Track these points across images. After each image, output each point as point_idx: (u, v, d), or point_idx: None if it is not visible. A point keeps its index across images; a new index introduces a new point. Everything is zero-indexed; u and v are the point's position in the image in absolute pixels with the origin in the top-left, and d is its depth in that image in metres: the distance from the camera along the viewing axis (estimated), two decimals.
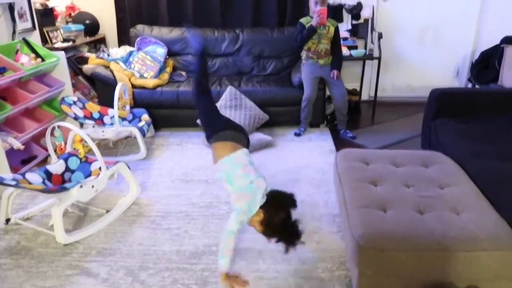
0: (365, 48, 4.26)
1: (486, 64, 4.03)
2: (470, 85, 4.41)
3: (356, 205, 1.81)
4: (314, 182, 2.80)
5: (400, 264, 1.58)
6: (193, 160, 3.19)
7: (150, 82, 3.71)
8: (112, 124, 3.26)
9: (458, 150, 2.31)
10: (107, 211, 2.47)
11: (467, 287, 1.57)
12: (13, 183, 2.15)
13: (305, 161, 3.13)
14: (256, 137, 3.41)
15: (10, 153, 2.74)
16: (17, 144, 2.74)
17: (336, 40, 3.54)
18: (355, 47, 4.14)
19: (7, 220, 2.38)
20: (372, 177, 2.03)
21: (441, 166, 2.12)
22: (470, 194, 1.85)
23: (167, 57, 4.08)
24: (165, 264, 2.04)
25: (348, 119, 3.72)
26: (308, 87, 3.51)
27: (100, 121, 3.31)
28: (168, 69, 4.02)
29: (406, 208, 1.76)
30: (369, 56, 4.16)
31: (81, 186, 2.23)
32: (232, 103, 3.54)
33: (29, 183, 2.24)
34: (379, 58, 4.05)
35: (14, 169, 2.76)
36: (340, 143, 3.48)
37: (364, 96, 4.68)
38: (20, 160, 2.99)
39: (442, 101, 2.76)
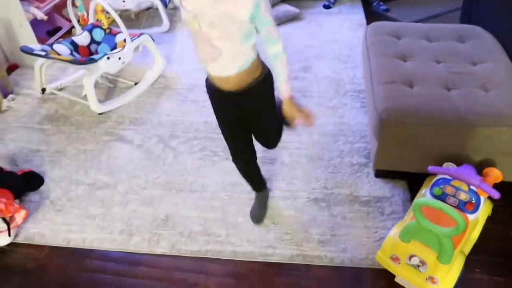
0: None
1: None
2: None
3: (383, 80, 1.79)
4: (341, 57, 2.73)
5: (420, 138, 1.63)
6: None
7: None
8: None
9: (500, 24, 2.14)
10: (135, 84, 2.54)
11: (482, 160, 1.63)
12: (43, 53, 2.19)
13: (333, 36, 3.00)
14: (282, 8, 3.22)
15: (35, 23, 2.73)
16: (40, 14, 2.71)
17: None
18: None
19: (43, 90, 2.49)
20: (402, 52, 1.96)
21: (477, 42, 2.01)
22: (503, 71, 1.78)
23: None
24: (193, 134, 2.17)
25: None
26: None
27: None
28: None
29: (433, 84, 1.74)
30: None
31: (108, 58, 2.26)
32: None
33: (58, 54, 2.28)
34: None
35: (40, 40, 2.78)
36: (371, 16, 3.26)
37: None
38: (46, 31, 2.99)
39: None
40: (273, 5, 3.24)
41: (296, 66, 2.66)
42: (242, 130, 1.49)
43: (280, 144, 2.04)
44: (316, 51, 2.81)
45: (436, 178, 1.51)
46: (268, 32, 1.24)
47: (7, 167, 1.96)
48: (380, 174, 1.87)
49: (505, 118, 1.54)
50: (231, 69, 1.25)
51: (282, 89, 1.34)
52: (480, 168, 1.52)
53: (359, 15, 3.29)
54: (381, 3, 3.41)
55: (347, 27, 3.11)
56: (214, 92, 1.38)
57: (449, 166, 1.56)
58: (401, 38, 2.10)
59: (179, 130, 2.20)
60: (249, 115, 1.41)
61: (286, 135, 2.10)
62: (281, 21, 3.17)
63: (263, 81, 1.34)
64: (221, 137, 2.10)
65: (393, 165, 1.79)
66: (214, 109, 1.49)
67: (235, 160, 1.60)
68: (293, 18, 3.24)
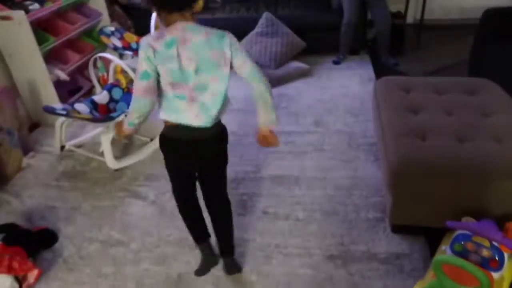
0: None
1: None
2: None
3: (395, 133, 1.79)
4: (353, 111, 2.77)
5: (435, 191, 1.61)
6: (230, 90, 3.20)
7: None
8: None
9: (509, 76, 2.17)
10: (151, 140, 2.60)
11: (502, 213, 1.58)
12: (64, 112, 2.29)
13: (343, 90, 3.07)
14: (292, 65, 3.34)
15: (58, 84, 2.87)
16: (63, 75, 2.86)
17: None
18: None
19: (62, 147, 2.57)
20: (412, 105, 1.99)
21: (487, 94, 2.03)
22: None
23: None
24: None
25: (391, 45, 3.53)
26: (348, 10, 3.31)
27: (138, 51, 3.34)
28: None
29: (446, 136, 1.73)
30: None
31: (125, 115, 2.34)
32: (268, 30, 3.43)
33: (78, 113, 2.38)
34: None
35: (62, 100, 2.91)
36: (381, 71, 3.35)
37: (409, 19, 4.37)
38: (68, 91, 3.13)
39: (498, 23, 2.55)
40: (283, 63, 3.36)
41: (308, 120, 2.71)
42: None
43: (293, 199, 2.05)
44: (327, 105, 2.87)
45: (456, 233, 1.47)
46: None
47: (23, 224, 1.97)
48: (397, 229, 1.82)
49: None
50: None
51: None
52: (501, 222, 1.47)
53: (368, 70, 3.38)
54: (390, 58, 3.51)
55: (357, 82, 3.18)
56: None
57: (468, 220, 1.51)
58: (410, 91, 2.13)
59: None
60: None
61: (299, 190, 2.10)
62: (292, 77, 3.28)
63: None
64: (234, 192, 2.13)
65: (410, 220, 1.75)
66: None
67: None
68: (303, 74, 3.34)
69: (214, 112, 1.39)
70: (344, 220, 1.91)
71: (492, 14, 2.56)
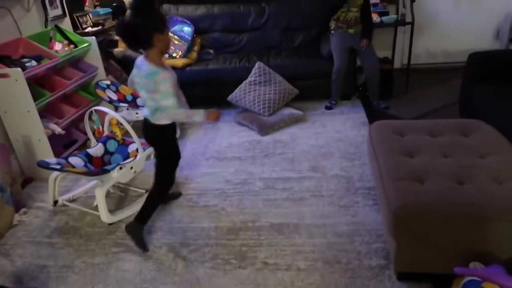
0: (397, 14, 4.09)
1: None
2: None
3: (392, 177, 1.78)
4: (348, 156, 2.78)
5: (439, 235, 1.57)
6: (225, 138, 3.23)
7: (179, 62, 3.74)
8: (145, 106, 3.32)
9: (500, 117, 2.21)
10: (146, 191, 2.56)
11: (509, 258, 1.53)
12: (58, 167, 2.26)
13: (337, 135, 3.10)
14: (286, 112, 3.39)
15: (52, 138, 2.86)
16: (58, 130, 2.86)
17: (365, 7, 3.41)
18: (386, 13, 3.98)
19: (55, 202, 2.52)
20: (408, 149, 1.99)
21: (481, 135, 2.05)
22: None
23: (194, 35, 4.08)
24: (205, 240, 2.11)
25: (380, 89, 3.62)
26: (338, 58, 3.42)
27: (133, 103, 3.39)
28: (196, 48, 4.02)
29: (445, 179, 1.72)
30: (401, 22, 4.00)
31: (120, 168, 2.32)
32: (261, 79, 3.51)
33: (73, 166, 2.35)
34: (412, 23, 3.89)
35: (57, 154, 2.89)
36: (372, 115, 3.41)
37: (397, 64, 4.53)
38: (62, 144, 3.12)
39: (483, 66, 2.64)
40: (277, 109, 3.42)
41: (305, 166, 2.70)
42: None
43: (293, 248, 1.99)
44: (322, 150, 2.88)
45: (465, 280, 1.42)
46: None
47: (12, 286, 1.88)
48: (402, 276, 1.75)
49: None
50: None
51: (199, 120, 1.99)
52: (510, 266, 1.43)
53: (361, 114, 3.43)
54: (380, 102, 3.58)
55: (350, 126, 3.22)
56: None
57: (476, 266, 1.47)
58: (404, 135, 2.15)
59: (190, 237, 2.15)
60: None
61: (299, 238, 2.04)
62: (286, 123, 3.31)
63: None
64: (233, 243, 2.07)
65: (416, 266, 1.69)
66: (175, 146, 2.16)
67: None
68: (297, 120, 3.38)
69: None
70: (347, 269, 1.85)
71: (477, 58, 2.66)
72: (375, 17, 3.80)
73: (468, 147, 1.95)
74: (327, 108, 3.59)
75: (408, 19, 3.97)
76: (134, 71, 1.98)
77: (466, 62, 2.73)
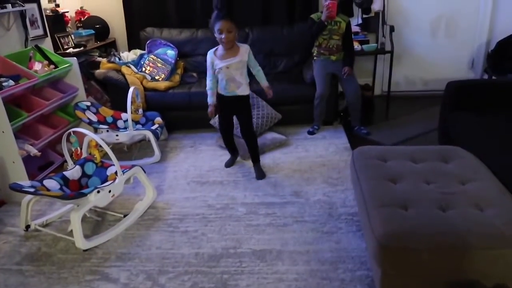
0: (377, 42, 4.21)
1: (503, 53, 3.94)
2: (486, 76, 4.31)
3: (376, 204, 1.77)
4: (331, 181, 2.77)
5: (424, 263, 1.55)
6: (207, 162, 3.19)
7: (162, 85, 3.72)
8: (125, 128, 3.27)
9: (479, 144, 2.26)
10: (124, 216, 2.48)
11: (495, 285, 1.53)
12: (32, 190, 2.17)
13: (320, 160, 3.10)
14: (269, 136, 3.39)
15: (27, 160, 2.77)
16: (34, 151, 2.77)
17: (347, 35, 3.50)
18: (367, 42, 4.09)
19: (27, 227, 2.40)
20: (390, 175, 2.00)
21: (461, 161, 2.07)
22: (493, 189, 1.80)
23: (178, 58, 4.08)
24: (184, 268, 2.04)
25: (362, 115, 3.67)
26: (321, 84, 3.47)
27: (113, 125, 3.33)
28: (179, 71, 4.02)
29: (428, 205, 1.72)
30: (381, 50, 4.11)
31: (98, 191, 2.24)
32: None
33: (48, 189, 2.26)
34: (391, 52, 3.99)
35: (31, 176, 2.78)
36: (354, 140, 3.44)
37: (377, 91, 4.62)
38: (37, 166, 3.02)
39: (460, 94, 2.71)
40: (260, 134, 3.41)
41: (288, 191, 2.68)
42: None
43: (276, 276, 1.94)
44: (306, 175, 2.87)
45: None
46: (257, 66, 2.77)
47: None
48: None
49: (508, 239, 1.50)
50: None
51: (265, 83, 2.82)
52: None
53: (343, 139, 3.46)
54: (362, 127, 3.63)
55: (333, 151, 3.23)
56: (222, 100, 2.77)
57: None
58: (387, 160, 2.16)
59: (169, 264, 2.07)
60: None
61: (282, 265, 1.99)
62: (269, 147, 3.30)
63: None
64: (214, 270, 2.00)
65: None
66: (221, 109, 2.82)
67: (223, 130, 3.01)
68: (280, 145, 3.38)
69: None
70: None
71: (454, 86, 2.73)
72: (356, 45, 3.90)
73: (449, 173, 1.97)
74: (310, 133, 3.61)
75: (388, 48, 4.09)
76: None
77: (444, 91, 2.80)
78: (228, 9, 2.53)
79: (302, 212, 2.43)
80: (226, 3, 4.05)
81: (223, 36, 2.48)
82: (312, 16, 3.49)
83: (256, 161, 2.93)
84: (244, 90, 2.70)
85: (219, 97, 2.75)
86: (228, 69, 2.61)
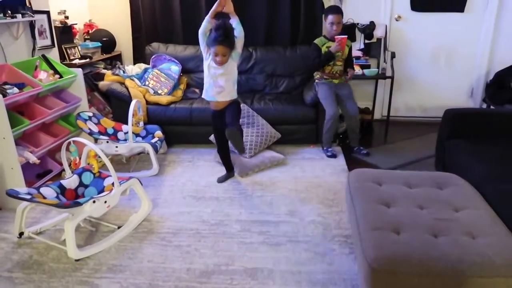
0: (378, 67, 4.28)
1: (501, 84, 4.01)
2: (484, 106, 4.36)
3: (369, 227, 1.78)
4: (326, 202, 2.78)
5: None
6: (204, 177, 3.20)
7: (164, 99, 3.76)
8: (125, 140, 3.30)
9: (474, 172, 2.27)
10: (119, 227, 2.48)
11: None
12: (28, 197, 2.18)
13: (317, 180, 3.11)
14: (268, 154, 3.41)
15: (26, 167, 2.78)
16: (33, 158, 2.79)
17: (349, 58, 3.59)
18: (368, 66, 4.15)
19: (21, 234, 2.40)
20: (385, 198, 2.01)
21: (456, 188, 2.09)
22: (486, 218, 1.81)
23: (181, 74, 4.14)
24: (175, 283, 2.03)
25: (361, 138, 3.70)
26: (331, 105, 3.44)
27: (114, 136, 3.36)
28: (182, 86, 4.07)
29: (420, 231, 1.73)
30: (381, 75, 4.17)
31: (94, 201, 2.25)
32: (245, 121, 3.55)
33: (44, 197, 2.27)
34: (391, 78, 4.05)
35: (29, 183, 2.80)
36: (352, 162, 3.45)
37: (377, 115, 4.67)
38: (35, 174, 3.03)
39: (457, 122, 2.74)
40: (258, 152, 3.43)
41: (283, 210, 2.68)
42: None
43: None
44: (301, 195, 2.87)
45: None
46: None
47: None
48: None
49: (498, 268, 1.50)
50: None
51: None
52: None
53: (341, 161, 3.47)
54: (361, 148, 3.65)
55: (329, 172, 3.25)
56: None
57: None
58: (382, 184, 2.18)
59: (160, 278, 2.06)
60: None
61: (273, 285, 1.98)
62: (266, 166, 3.32)
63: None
64: (205, 286, 1.99)
65: None
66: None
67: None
68: (278, 163, 3.40)
69: None
70: None
71: (452, 114, 2.77)
72: (358, 69, 3.96)
73: (443, 200, 1.98)
74: (332, 156, 3.53)
75: (389, 73, 4.15)
76: None
77: (442, 118, 2.83)
78: (226, 34, 2.60)
79: (296, 232, 2.43)
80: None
81: (218, 58, 2.62)
82: (316, 41, 3.56)
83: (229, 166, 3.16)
84: (224, 96, 2.70)
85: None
86: (215, 69, 2.65)
